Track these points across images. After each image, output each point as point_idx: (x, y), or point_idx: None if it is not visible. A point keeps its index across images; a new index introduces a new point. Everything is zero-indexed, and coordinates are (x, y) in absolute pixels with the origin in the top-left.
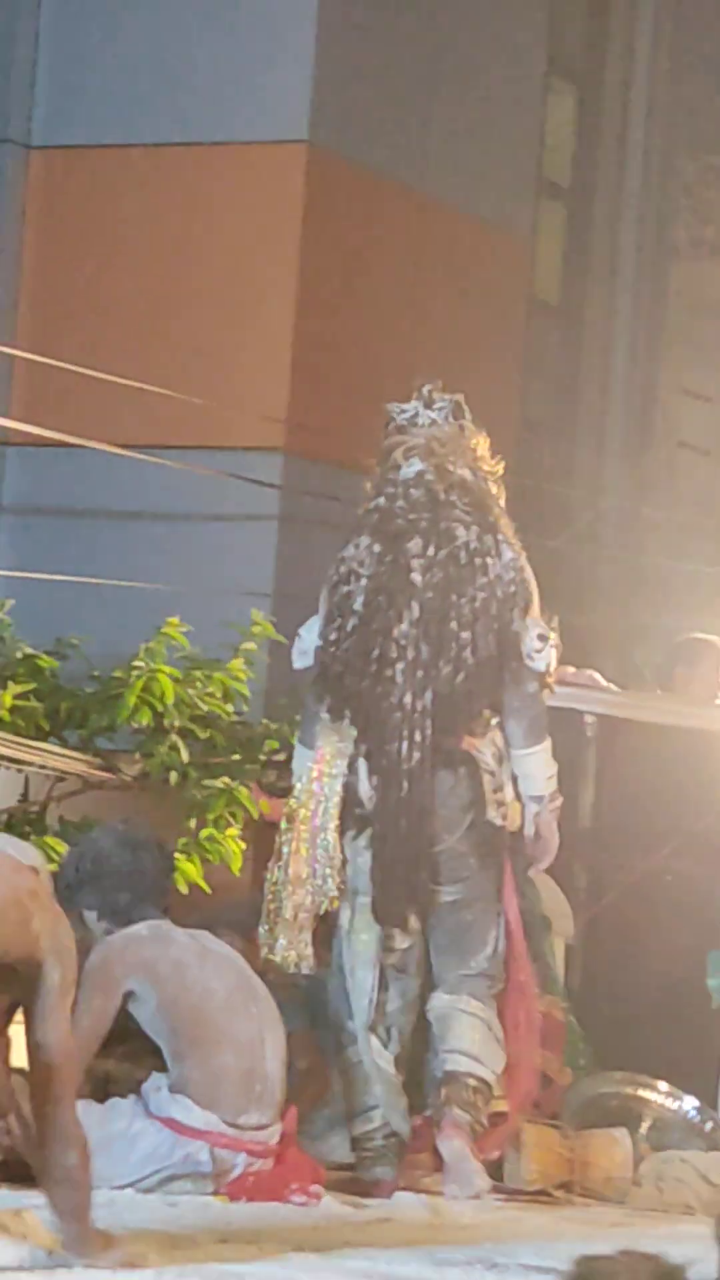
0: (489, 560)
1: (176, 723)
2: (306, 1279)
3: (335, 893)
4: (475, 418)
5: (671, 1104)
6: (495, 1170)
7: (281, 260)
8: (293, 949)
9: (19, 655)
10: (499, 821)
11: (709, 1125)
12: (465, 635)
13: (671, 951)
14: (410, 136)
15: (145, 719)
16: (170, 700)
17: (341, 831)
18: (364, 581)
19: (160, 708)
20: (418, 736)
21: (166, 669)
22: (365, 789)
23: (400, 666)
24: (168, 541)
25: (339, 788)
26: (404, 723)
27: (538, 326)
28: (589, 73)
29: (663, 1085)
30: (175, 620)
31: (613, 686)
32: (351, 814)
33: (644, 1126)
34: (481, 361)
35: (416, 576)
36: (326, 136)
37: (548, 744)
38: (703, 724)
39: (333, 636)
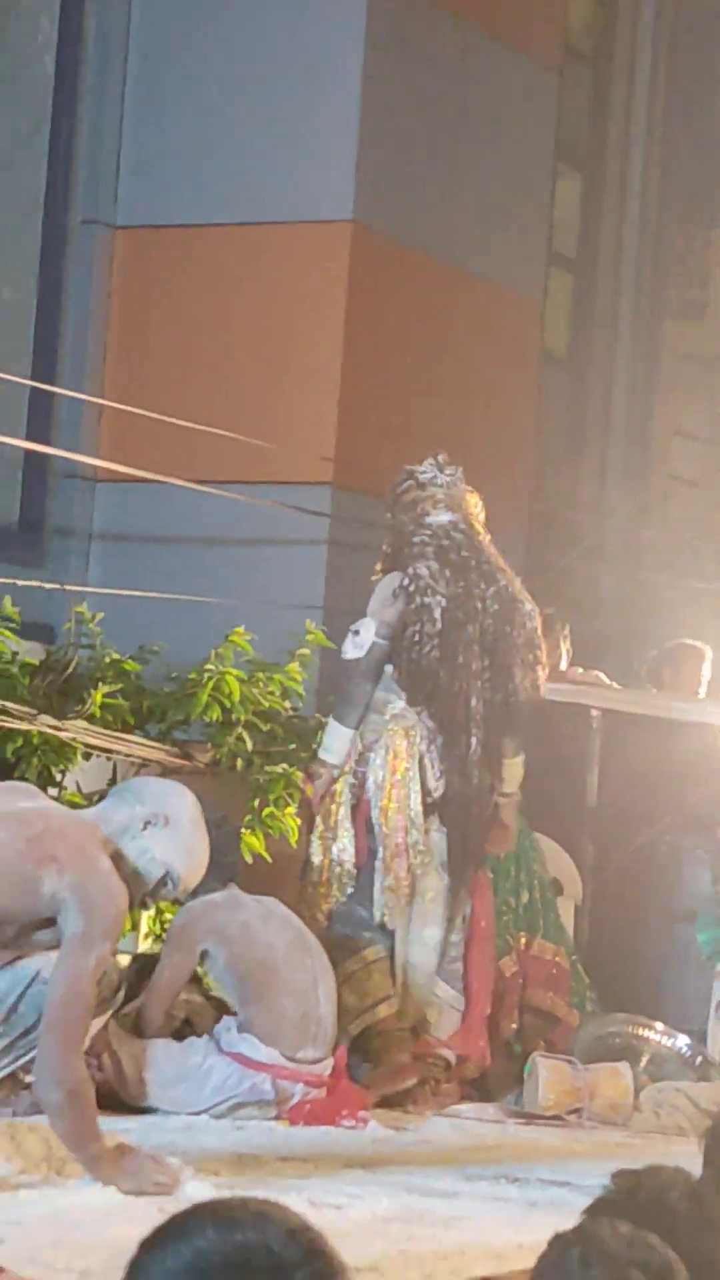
0: (520, 609)
1: (242, 717)
2: (356, 1192)
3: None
4: (490, 454)
5: (667, 1041)
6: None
7: (330, 323)
8: (392, 910)
9: (108, 660)
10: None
11: (699, 1059)
12: (519, 661)
13: (666, 910)
14: (438, 214)
15: (215, 714)
16: (237, 698)
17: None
18: (440, 598)
19: (228, 704)
20: (477, 734)
21: (233, 671)
22: (431, 780)
23: (470, 673)
24: (234, 563)
25: (416, 785)
26: (469, 722)
27: (548, 376)
28: (591, 159)
29: (659, 1025)
30: (241, 630)
31: (615, 685)
32: (424, 802)
33: (643, 1061)
34: (501, 406)
35: (479, 605)
36: (368, 215)
37: (521, 759)
38: (689, 717)
39: (415, 639)
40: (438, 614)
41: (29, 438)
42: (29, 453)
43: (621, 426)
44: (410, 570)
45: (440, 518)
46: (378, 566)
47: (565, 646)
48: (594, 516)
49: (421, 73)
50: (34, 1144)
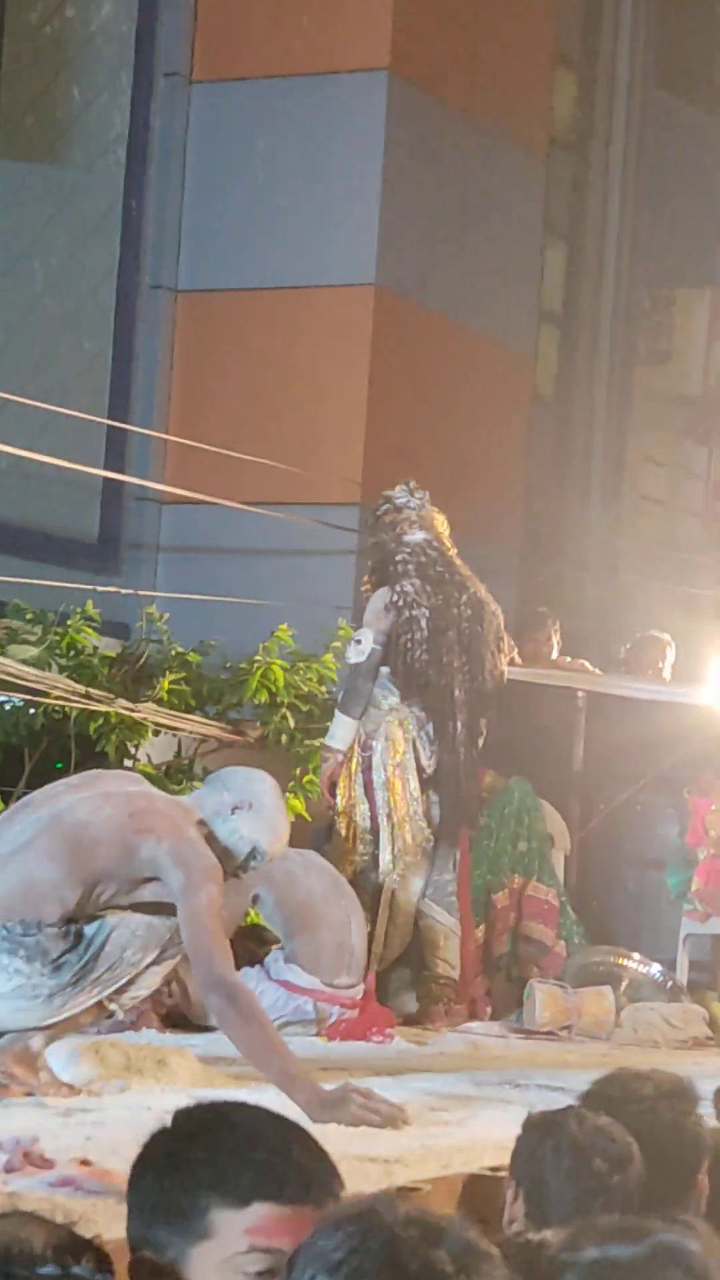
0: (487, 610)
1: (285, 700)
2: (384, 1094)
3: (428, 832)
4: (491, 479)
5: (642, 969)
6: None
7: (356, 370)
8: (406, 868)
9: (173, 653)
10: None
11: (669, 984)
12: (490, 656)
13: (640, 859)
14: (446, 279)
15: (263, 697)
16: (281, 684)
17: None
18: (425, 610)
19: (274, 689)
20: (460, 718)
21: (278, 662)
22: (424, 760)
23: (452, 669)
24: (277, 572)
25: (413, 761)
26: (455, 709)
27: (538, 414)
28: (573, 232)
29: (636, 955)
30: (284, 627)
31: (597, 671)
32: (419, 778)
33: (623, 985)
34: (498, 438)
35: (457, 609)
36: (388, 280)
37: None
38: (659, 697)
39: (406, 646)
40: (424, 624)
41: (106, 467)
42: (106, 479)
43: (599, 455)
44: (398, 587)
45: (416, 536)
46: (365, 579)
47: (556, 639)
48: (577, 531)
49: (432, 160)
50: (115, 1056)
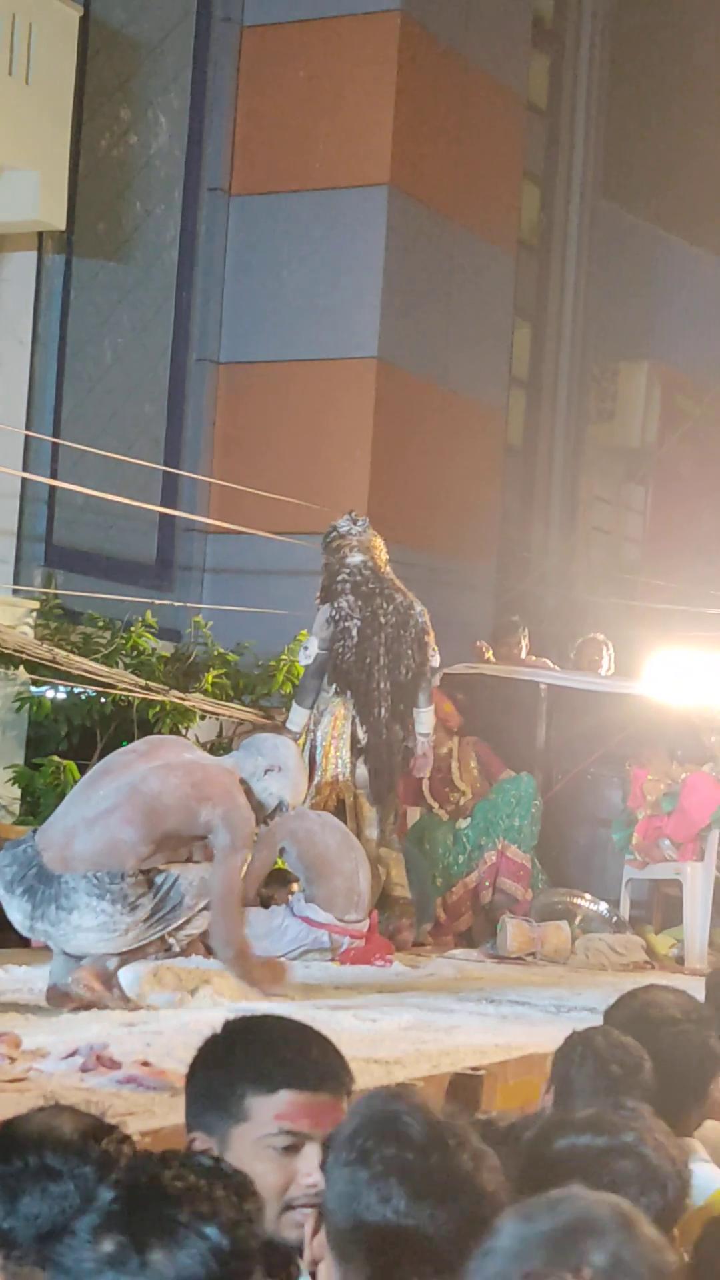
0: (413, 612)
1: None
2: (385, 1010)
3: (353, 786)
4: (471, 514)
5: (593, 906)
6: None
7: (362, 426)
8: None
9: (216, 653)
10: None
11: (614, 919)
12: (409, 651)
13: (591, 818)
14: (436, 352)
15: (287, 689)
16: (300, 678)
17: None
18: (356, 621)
19: (295, 682)
20: (385, 704)
21: (302, 664)
22: (359, 734)
23: (376, 667)
24: (298, 589)
25: (348, 734)
26: (377, 699)
27: (508, 461)
28: (537, 314)
29: (587, 895)
30: (304, 632)
31: (557, 668)
32: (353, 747)
33: (577, 919)
34: (476, 481)
35: (382, 619)
36: (388, 354)
37: (432, 706)
38: (605, 688)
39: (339, 650)
40: (354, 633)
41: (162, 504)
42: (162, 514)
43: (558, 494)
44: (336, 604)
45: (355, 559)
46: (317, 594)
47: (524, 642)
48: (540, 556)
49: (423, 256)
50: (169, 977)
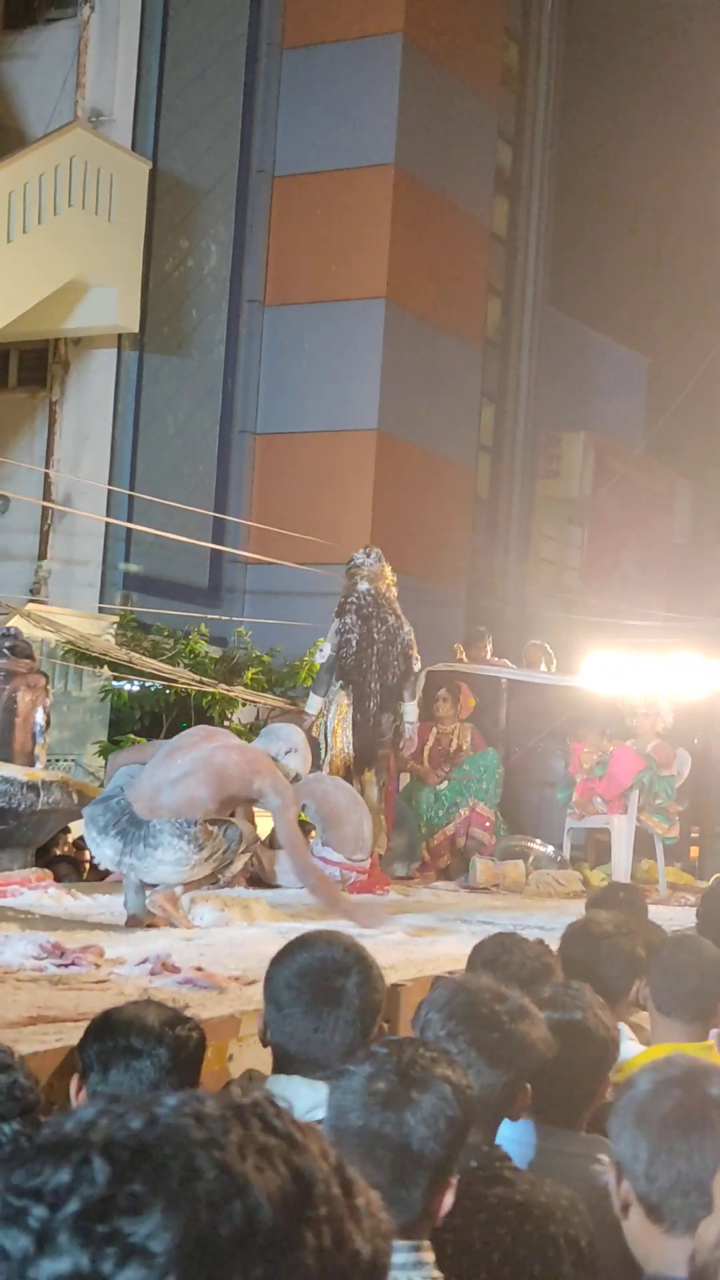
0: (401, 632)
1: None
2: (383, 927)
3: (351, 758)
4: (448, 548)
5: (542, 848)
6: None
7: (364, 485)
8: (364, 784)
9: (254, 655)
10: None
11: (559, 858)
12: (395, 663)
13: (541, 781)
14: (420, 424)
15: (308, 683)
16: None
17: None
18: (355, 635)
19: (314, 677)
20: (375, 700)
21: (318, 663)
22: (356, 719)
23: (370, 672)
24: (318, 605)
25: (350, 720)
26: (370, 695)
27: (478, 508)
28: (499, 396)
29: (538, 840)
30: (321, 639)
31: (514, 666)
32: (353, 729)
33: (530, 859)
34: (452, 524)
35: (375, 636)
36: (385, 426)
37: (416, 702)
38: (550, 682)
39: (343, 655)
40: (354, 644)
41: (213, 541)
42: (213, 549)
43: (515, 533)
44: (343, 620)
45: (362, 586)
46: (335, 607)
47: (489, 646)
48: (502, 579)
49: (412, 351)
50: (217, 903)
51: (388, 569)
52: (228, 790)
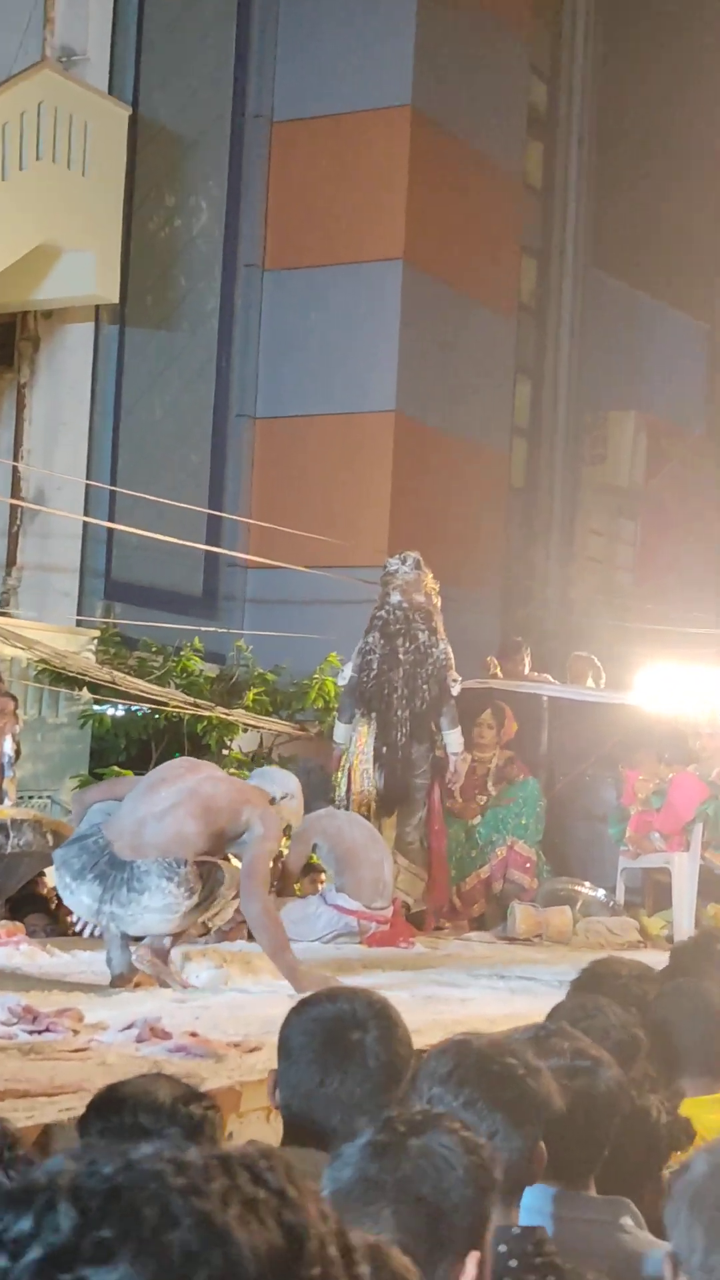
0: (433, 650)
1: (335, 706)
2: (408, 986)
3: (374, 797)
4: (479, 547)
5: (591, 893)
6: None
7: (382, 474)
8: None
9: (256, 673)
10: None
11: (611, 903)
12: (425, 686)
13: (589, 814)
14: (448, 406)
15: (319, 704)
16: (332, 694)
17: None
18: (377, 656)
19: (327, 699)
20: (403, 729)
21: (330, 679)
22: (382, 752)
23: (395, 697)
24: (329, 614)
25: (371, 753)
26: (395, 724)
27: (513, 499)
28: (535, 370)
29: (587, 883)
30: (333, 654)
31: (556, 682)
32: (375, 763)
33: (578, 905)
34: (484, 519)
35: (401, 656)
36: (405, 407)
37: (459, 728)
38: (599, 700)
39: (364, 679)
40: (375, 665)
41: (207, 543)
42: (208, 551)
43: (557, 529)
44: (366, 639)
45: (393, 599)
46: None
47: (527, 660)
48: (541, 583)
49: (434, 321)
50: (215, 958)
51: (428, 577)
52: (218, 823)
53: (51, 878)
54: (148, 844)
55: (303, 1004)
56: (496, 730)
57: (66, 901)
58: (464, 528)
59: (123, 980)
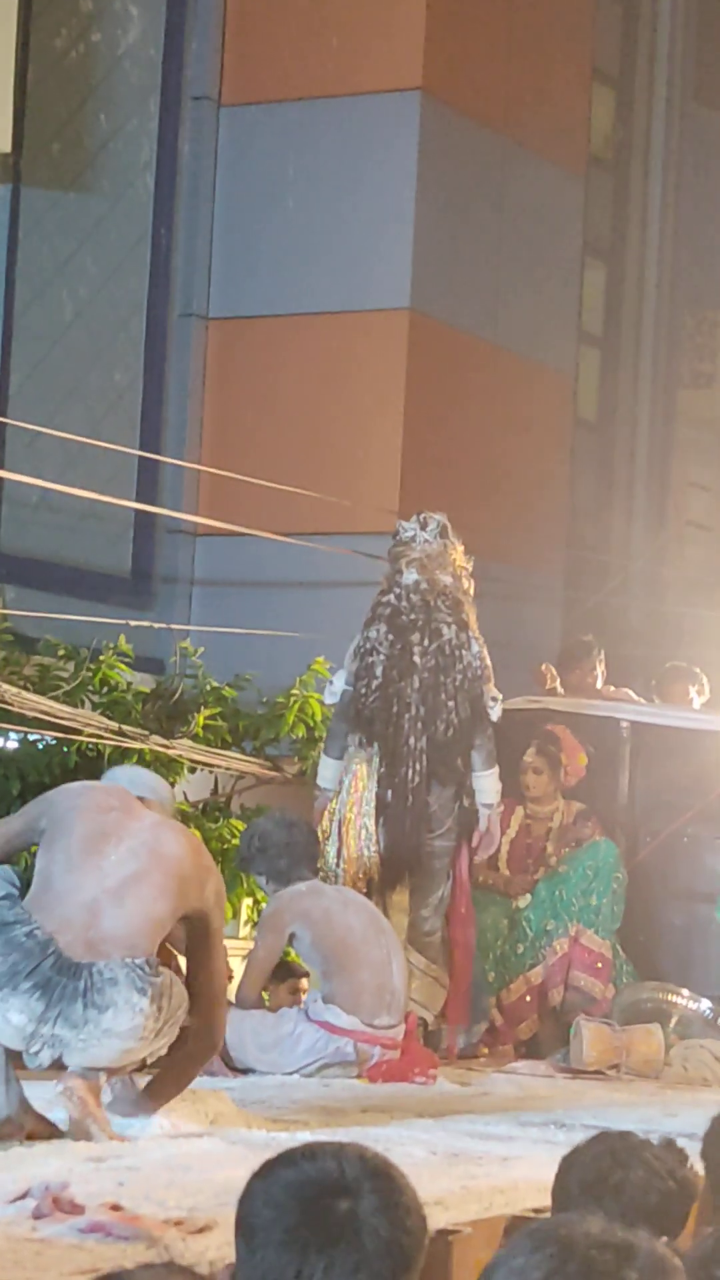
0: (463, 652)
1: (323, 734)
2: (426, 1138)
3: (375, 864)
4: (532, 506)
5: (692, 1005)
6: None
7: (392, 397)
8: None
9: (208, 687)
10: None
11: (719, 1020)
12: (451, 704)
13: (688, 891)
14: (484, 302)
15: (300, 732)
16: (319, 718)
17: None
18: (382, 657)
19: (311, 724)
20: (417, 766)
21: (316, 695)
22: (386, 798)
23: (407, 718)
24: (314, 603)
25: (373, 796)
26: (409, 756)
27: (580, 438)
28: (613, 251)
29: (685, 991)
30: (321, 660)
31: (642, 701)
32: (378, 815)
33: (672, 1022)
34: (540, 465)
35: (417, 659)
36: (423, 304)
37: (496, 769)
38: (704, 726)
39: (362, 692)
40: (379, 671)
41: (138, 499)
42: (138, 512)
43: (643, 481)
44: (366, 633)
45: (408, 578)
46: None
47: (600, 669)
48: (621, 558)
49: (467, 180)
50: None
51: (457, 551)
52: (188, 898)
53: None
54: (109, 938)
55: (270, 1165)
56: (550, 770)
57: None
58: (509, 478)
59: (10, 1127)
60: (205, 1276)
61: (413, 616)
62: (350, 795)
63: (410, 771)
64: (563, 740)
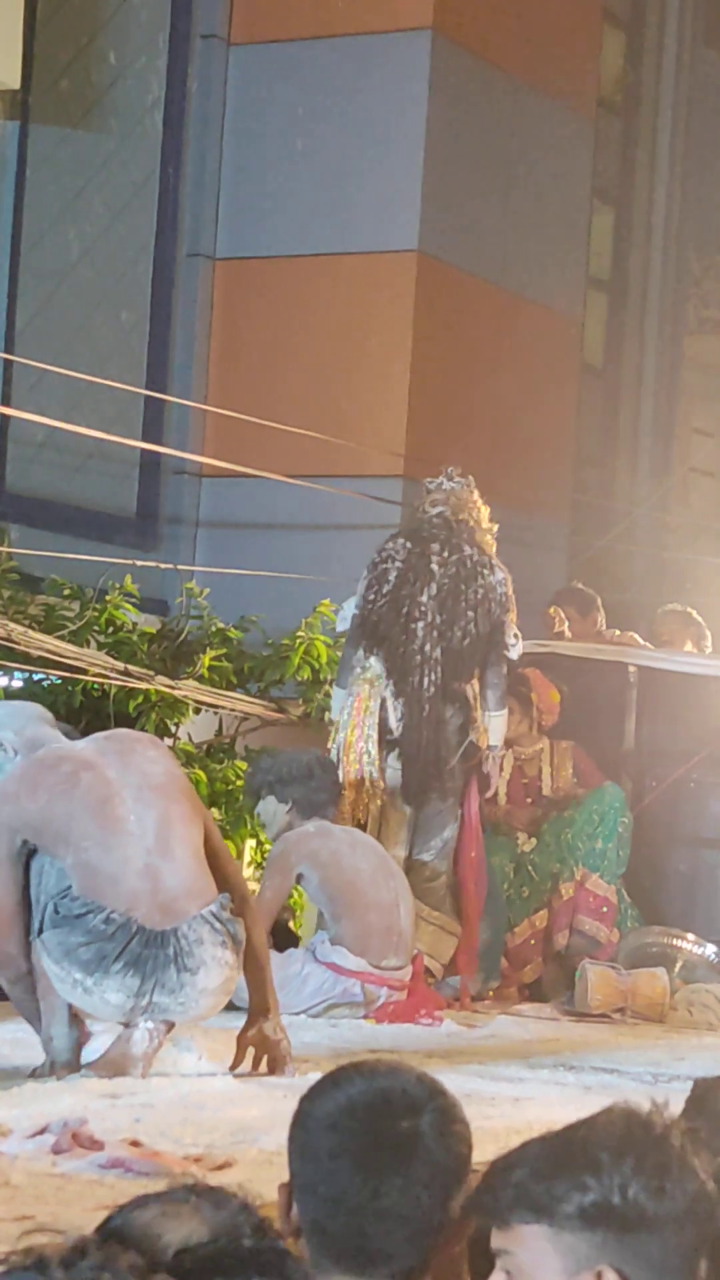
0: (485, 571)
1: (329, 676)
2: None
3: (379, 793)
4: (537, 451)
5: (697, 949)
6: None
7: (399, 339)
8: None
9: (214, 629)
10: (477, 740)
11: None
12: (470, 614)
13: (693, 838)
14: (491, 244)
15: (305, 674)
16: (324, 660)
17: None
18: (398, 564)
19: (317, 665)
20: (432, 675)
21: (321, 637)
22: (393, 720)
23: (421, 625)
24: (320, 546)
25: (375, 720)
26: (422, 664)
27: (586, 384)
28: (621, 195)
29: (690, 935)
30: (327, 602)
31: (648, 646)
32: (384, 739)
33: (677, 966)
34: (546, 411)
35: (435, 567)
36: (430, 246)
37: (506, 711)
38: (709, 671)
39: (371, 598)
40: (392, 576)
41: (144, 439)
42: (144, 452)
43: (648, 427)
44: (381, 550)
45: (432, 511)
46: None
47: (600, 616)
48: (626, 505)
49: (476, 121)
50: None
51: (482, 509)
52: (198, 805)
53: None
54: (177, 896)
55: (324, 1086)
56: (523, 711)
57: (80, 1006)
58: (515, 423)
59: (64, 1069)
60: (231, 1194)
61: (434, 530)
62: (352, 718)
63: (424, 679)
64: (533, 680)
